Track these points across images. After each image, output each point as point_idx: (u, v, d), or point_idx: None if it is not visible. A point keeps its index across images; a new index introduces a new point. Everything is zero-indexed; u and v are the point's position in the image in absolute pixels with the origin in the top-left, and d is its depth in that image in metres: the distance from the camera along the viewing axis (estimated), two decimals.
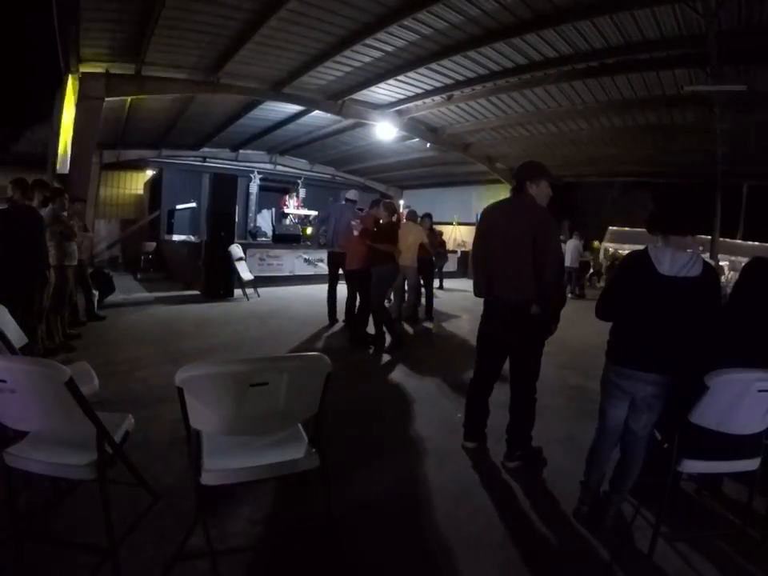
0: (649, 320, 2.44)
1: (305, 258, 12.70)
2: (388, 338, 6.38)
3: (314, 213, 16.36)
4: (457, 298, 10.37)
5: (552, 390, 4.85)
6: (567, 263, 13.12)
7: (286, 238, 13.77)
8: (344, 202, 7.68)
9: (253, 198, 17.42)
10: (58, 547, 2.23)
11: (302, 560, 2.25)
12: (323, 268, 9.41)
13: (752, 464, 2.41)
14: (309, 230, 14.98)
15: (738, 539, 2.52)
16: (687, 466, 2.38)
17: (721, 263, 16.47)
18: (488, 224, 3.37)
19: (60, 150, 8.76)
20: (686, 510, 2.83)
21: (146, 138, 15.05)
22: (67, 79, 8.58)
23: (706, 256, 11.20)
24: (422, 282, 8.65)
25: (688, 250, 2.43)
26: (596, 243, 20.01)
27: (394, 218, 6.41)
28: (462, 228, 19.56)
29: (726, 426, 2.28)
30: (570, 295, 12.92)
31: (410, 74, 9.57)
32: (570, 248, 13.22)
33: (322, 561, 2.24)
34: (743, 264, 2.68)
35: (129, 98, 10.35)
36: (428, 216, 9.00)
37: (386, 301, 6.90)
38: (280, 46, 8.45)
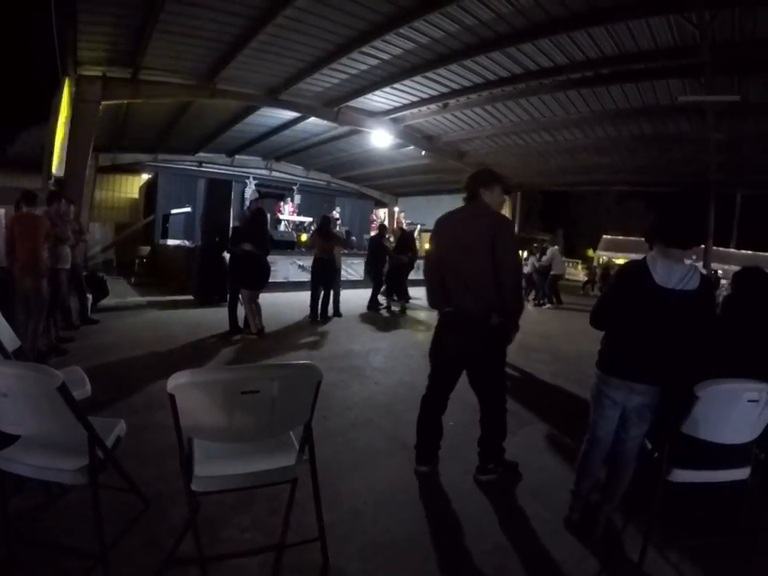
0: (642, 330, 2.44)
1: (299, 265, 12.66)
2: None
3: (308, 219, 16.38)
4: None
5: (544, 399, 4.87)
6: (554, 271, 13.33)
7: (280, 244, 13.71)
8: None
9: (248, 203, 17.35)
10: (49, 551, 2.22)
11: (291, 567, 2.25)
12: None
13: (742, 473, 2.43)
14: (303, 237, 14.97)
15: (728, 548, 2.54)
16: (677, 475, 2.38)
17: (719, 273, 16.56)
18: (443, 233, 3.21)
19: (56, 153, 8.75)
20: (676, 518, 2.84)
21: (142, 141, 15.06)
22: (64, 82, 8.58)
23: (699, 265, 11.27)
24: None
25: (686, 261, 2.43)
26: (590, 251, 20.16)
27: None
28: None
29: (715, 435, 2.30)
30: (548, 305, 13.24)
31: (406, 81, 9.62)
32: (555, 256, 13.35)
33: (312, 568, 2.24)
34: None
35: (125, 102, 10.36)
36: (325, 219, 9.41)
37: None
38: (277, 53, 8.48)
